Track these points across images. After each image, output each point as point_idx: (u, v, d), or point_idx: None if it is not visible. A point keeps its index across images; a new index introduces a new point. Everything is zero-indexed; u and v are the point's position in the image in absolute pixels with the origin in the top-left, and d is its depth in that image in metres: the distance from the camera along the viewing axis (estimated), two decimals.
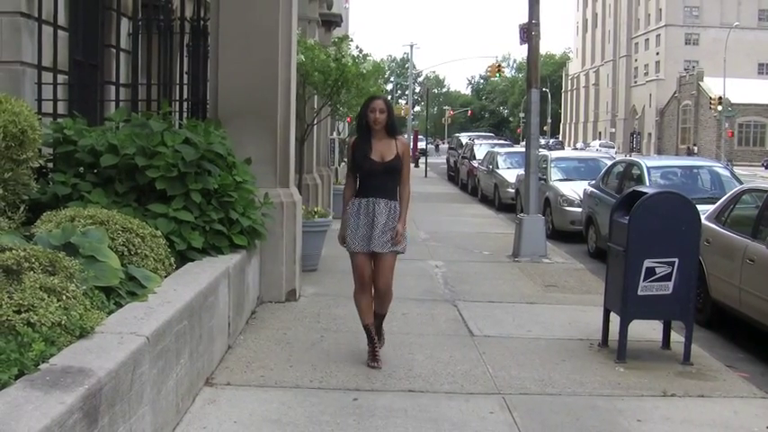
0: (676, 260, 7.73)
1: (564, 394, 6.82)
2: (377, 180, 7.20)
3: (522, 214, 15.34)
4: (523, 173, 16.66)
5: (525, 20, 15.52)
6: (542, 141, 50.07)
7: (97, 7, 9.94)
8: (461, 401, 6.48)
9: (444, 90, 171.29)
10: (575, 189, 18.68)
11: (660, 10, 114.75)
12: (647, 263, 7.72)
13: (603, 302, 8.42)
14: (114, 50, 10.09)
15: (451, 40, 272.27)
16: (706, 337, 9.47)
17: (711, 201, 11.64)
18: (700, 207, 8.21)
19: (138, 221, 6.55)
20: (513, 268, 13.28)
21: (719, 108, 76.41)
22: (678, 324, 8.29)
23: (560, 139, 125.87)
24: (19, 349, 3.97)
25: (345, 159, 8.93)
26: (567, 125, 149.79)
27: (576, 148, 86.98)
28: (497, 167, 27.42)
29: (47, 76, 8.78)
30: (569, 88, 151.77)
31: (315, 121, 15.24)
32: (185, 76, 10.95)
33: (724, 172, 16.49)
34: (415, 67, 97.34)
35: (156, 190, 7.39)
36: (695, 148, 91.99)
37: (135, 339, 4.65)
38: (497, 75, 65.23)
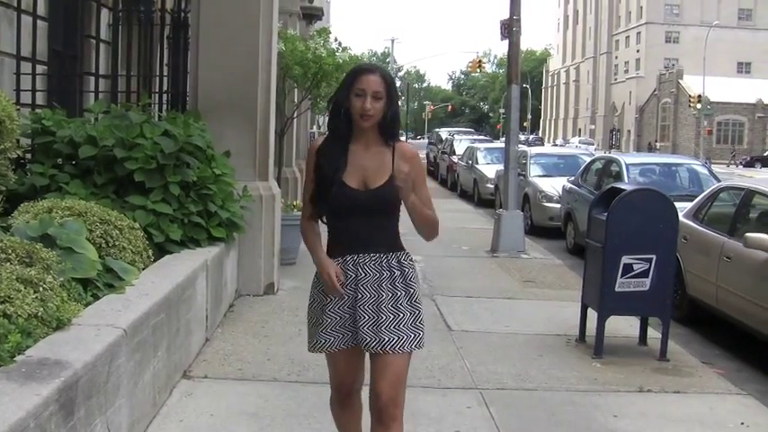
0: (654, 257, 7.77)
1: (541, 389, 6.84)
2: (358, 222, 4.14)
3: (501, 210, 15.39)
4: (503, 168, 16.69)
5: (506, 15, 15.53)
6: (522, 137, 50.23)
7: None
8: (438, 396, 6.49)
9: (425, 85, 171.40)
10: (554, 185, 18.73)
11: (641, 7, 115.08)
12: (625, 259, 7.76)
13: (581, 298, 8.45)
14: (94, 41, 10.03)
15: (432, 35, 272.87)
16: (683, 334, 9.52)
17: (689, 198, 11.69)
18: (678, 204, 8.27)
19: (116, 213, 6.52)
20: (491, 263, 13.31)
21: (698, 106, 76.74)
22: (655, 320, 8.33)
23: (540, 135, 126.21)
24: None
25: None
26: (547, 121, 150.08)
27: (556, 145, 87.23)
28: (477, 163, 27.46)
29: (25, 67, 8.71)
30: (550, 84, 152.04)
31: (295, 115, 15.22)
32: (165, 68, 10.91)
33: (702, 170, 16.58)
34: (395, 61, 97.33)
35: (135, 182, 7.36)
36: (657, 145, 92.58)
37: (112, 332, 4.63)
38: (478, 70, 65.22)
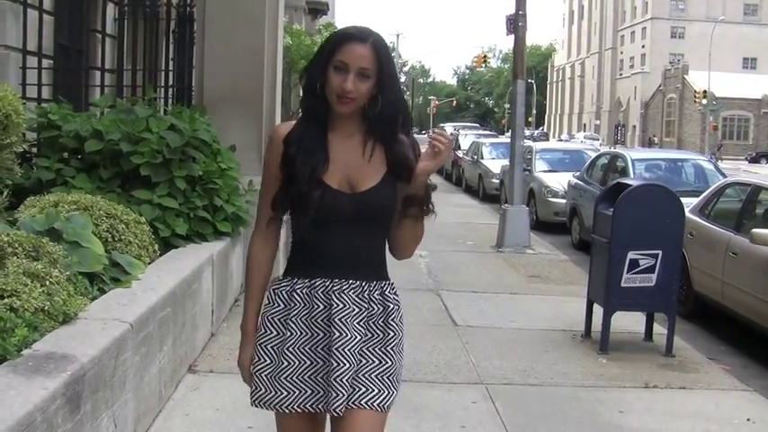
0: (660, 252, 7.76)
1: (546, 385, 6.84)
2: (337, 238, 3.09)
3: (506, 205, 15.39)
4: (508, 163, 16.68)
5: (512, 11, 15.52)
6: (527, 132, 50.21)
7: None
8: (444, 391, 6.49)
9: (430, 80, 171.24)
10: (559, 180, 18.69)
11: (646, 3, 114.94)
12: (631, 255, 7.75)
13: (587, 294, 8.45)
14: (100, 35, 10.03)
15: (438, 30, 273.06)
16: (688, 330, 9.51)
17: (695, 194, 11.68)
18: (684, 200, 8.26)
19: (122, 207, 6.52)
20: (496, 259, 13.30)
21: (704, 101, 76.63)
22: (661, 316, 8.33)
23: (545, 130, 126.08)
24: (1, 335, 3.95)
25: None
26: (553, 116, 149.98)
27: (561, 140, 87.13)
28: (482, 158, 27.42)
29: (32, 61, 8.72)
30: (555, 80, 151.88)
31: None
32: (171, 63, 10.91)
33: (708, 165, 16.57)
34: (400, 56, 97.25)
35: (141, 176, 7.34)
36: (655, 139, 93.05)
37: (118, 326, 4.63)
38: (483, 65, 65.23)
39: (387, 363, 3.13)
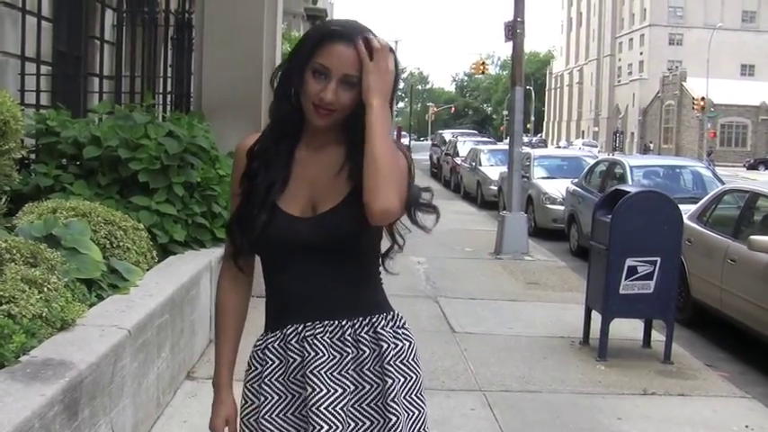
0: (658, 259, 7.76)
1: (545, 392, 6.84)
2: (302, 270, 2.55)
3: (504, 211, 15.38)
4: (506, 170, 16.69)
5: (510, 17, 15.54)
6: (526, 139, 50.21)
7: None
8: (442, 398, 6.48)
9: (428, 87, 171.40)
10: (557, 187, 18.72)
11: (644, 10, 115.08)
12: (629, 261, 7.75)
13: (585, 300, 8.45)
14: (98, 42, 10.03)
15: (436, 37, 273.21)
16: (687, 337, 9.50)
17: (693, 200, 11.68)
18: (682, 207, 8.25)
19: (120, 214, 6.51)
20: (495, 265, 13.30)
21: (702, 104, 76.68)
22: (659, 323, 8.32)
23: (543, 137, 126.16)
24: None
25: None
26: (551, 123, 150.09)
27: (560, 147, 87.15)
28: (480, 164, 27.45)
29: (30, 67, 8.71)
30: (553, 87, 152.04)
31: None
32: (169, 69, 10.91)
33: (706, 172, 16.59)
34: (399, 63, 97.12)
35: (139, 182, 7.34)
36: (651, 145, 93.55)
37: (116, 332, 4.62)
38: (482, 72, 65.21)
39: (382, 422, 2.52)
